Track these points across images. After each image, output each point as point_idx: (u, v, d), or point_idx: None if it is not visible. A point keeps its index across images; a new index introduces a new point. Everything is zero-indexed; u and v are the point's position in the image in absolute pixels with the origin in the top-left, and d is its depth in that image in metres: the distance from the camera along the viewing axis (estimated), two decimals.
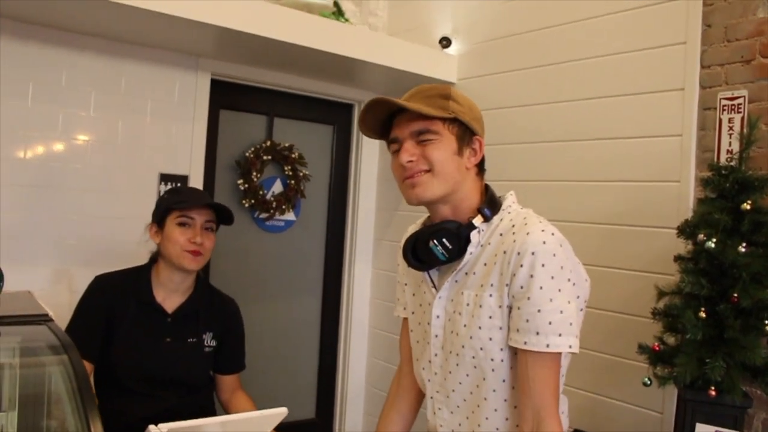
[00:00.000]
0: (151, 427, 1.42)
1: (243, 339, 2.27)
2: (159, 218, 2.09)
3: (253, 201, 3.37)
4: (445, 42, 3.30)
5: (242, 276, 3.45)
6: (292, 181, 3.51)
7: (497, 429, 1.38)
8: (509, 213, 1.41)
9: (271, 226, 3.53)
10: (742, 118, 2.16)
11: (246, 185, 3.35)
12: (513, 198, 1.46)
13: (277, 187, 3.51)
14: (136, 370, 1.99)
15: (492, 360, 1.34)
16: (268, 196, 3.45)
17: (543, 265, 1.27)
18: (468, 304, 1.37)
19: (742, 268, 1.86)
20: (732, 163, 2.00)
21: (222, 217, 2.13)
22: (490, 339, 1.34)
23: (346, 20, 3.17)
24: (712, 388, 1.88)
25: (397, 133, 1.41)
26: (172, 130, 3.06)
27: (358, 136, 3.77)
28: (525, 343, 1.28)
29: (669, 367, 1.98)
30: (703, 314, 1.89)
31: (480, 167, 1.45)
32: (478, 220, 1.38)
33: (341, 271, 3.81)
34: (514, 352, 1.34)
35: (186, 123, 3.10)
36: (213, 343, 2.13)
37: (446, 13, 3.35)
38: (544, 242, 1.29)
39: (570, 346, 1.28)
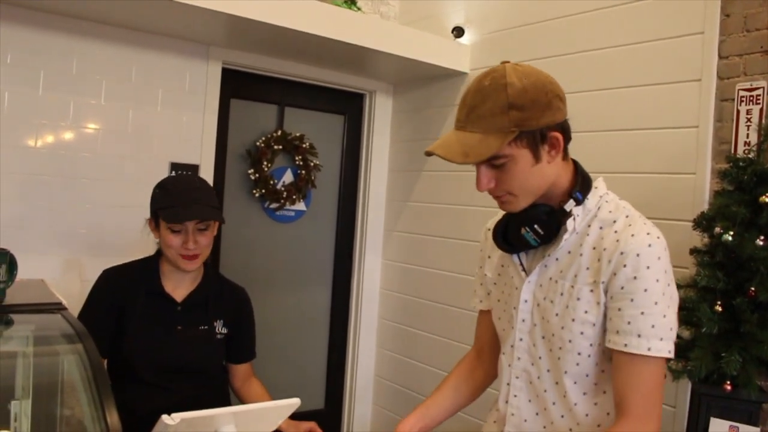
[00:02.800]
0: (164, 416, 1.42)
1: (254, 327, 2.26)
2: (153, 216, 2.06)
3: (263, 191, 3.36)
4: (458, 32, 3.27)
5: (252, 266, 3.44)
6: (303, 171, 3.50)
7: (578, 424, 1.35)
8: (607, 202, 1.36)
9: (281, 216, 3.53)
10: (761, 110, 2.13)
11: (256, 175, 3.34)
12: (605, 186, 1.39)
13: (288, 177, 3.50)
14: (149, 360, 1.97)
15: (579, 354, 1.31)
16: (279, 186, 3.44)
17: (648, 268, 1.23)
18: (562, 294, 1.33)
19: (760, 262, 1.84)
20: (750, 155, 1.97)
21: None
22: (581, 333, 1.30)
23: (358, 9, 3.15)
24: (728, 382, 1.86)
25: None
26: (182, 119, 3.05)
27: (370, 126, 3.75)
28: (625, 345, 1.23)
29: (683, 360, 1.96)
30: (719, 308, 1.87)
31: (564, 151, 1.34)
32: (570, 205, 1.33)
33: (351, 261, 3.80)
34: (603, 350, 1.30)
35: (197, 112, 3.09)
36: (224, 331, 2.12)
37: (459, 3, 3.32)
38: (649, 245, 1.25)
39: (669, 351, 1.24)
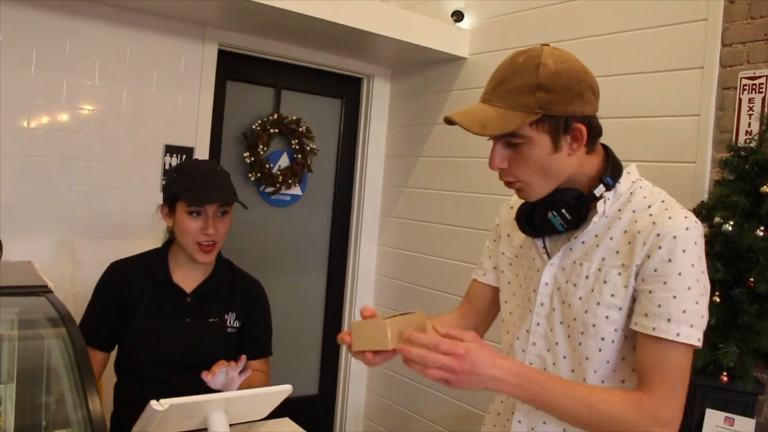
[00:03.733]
0: (153, 402, 1.40)
1: (268, 323, 2.16)
2: (168, 201, 1.96)
3: (259, 174, 3.33)
4: (457, 16, 3.23)
5: (246, 250, 3.42)
6: (299, 155, 3.47)
7: None
8: (641, 188, 1.32)
9: (277, 200, 3.50)
10: (763, 99, 2.10)
11: (252, 158, 3.30)
12: (637, 172, 1.35)
13: (284, 161, 3.47)
14: (155, 354, 1.90)
15: (602, 339, 1.27)
16: (275, 170, 3.41)
17: (684, 251, 1.19)
18: (587, 277, 1.28)
19: (760, 253, 1.82)
20: (751, 145, 1.95)
21: None
22: (607, 317, 1.26)
23: None
24: (724, 373, 1.85)
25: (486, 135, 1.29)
26: (178, 100, 3.01)
27: (367, 110, 3.72)
28: (654, 329, 1.19)
29: None
30: (717, 299, 1.86)
31: (590, 143, 1.29)
32: (600, 190, 1.29)
33: (347, 247, 3.78)
34: (626, 336, 1.26)
35: (192, 94, 3.05)
36: (236, 324, 2.03)
37: None
38: (687, 228, 1.21)
39: (698, 340, 1.19)
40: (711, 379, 1.88)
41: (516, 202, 1.47)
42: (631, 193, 1.31)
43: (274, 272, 3.55)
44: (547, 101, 1.21)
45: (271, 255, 3.54)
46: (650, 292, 1.21)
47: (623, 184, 1.31)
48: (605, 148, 1.36)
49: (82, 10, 2.72)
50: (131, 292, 1.95)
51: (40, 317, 1.25)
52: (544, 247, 1.39)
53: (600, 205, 1.28)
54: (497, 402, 1.53)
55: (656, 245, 1.20)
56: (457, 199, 3.24)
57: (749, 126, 2.12)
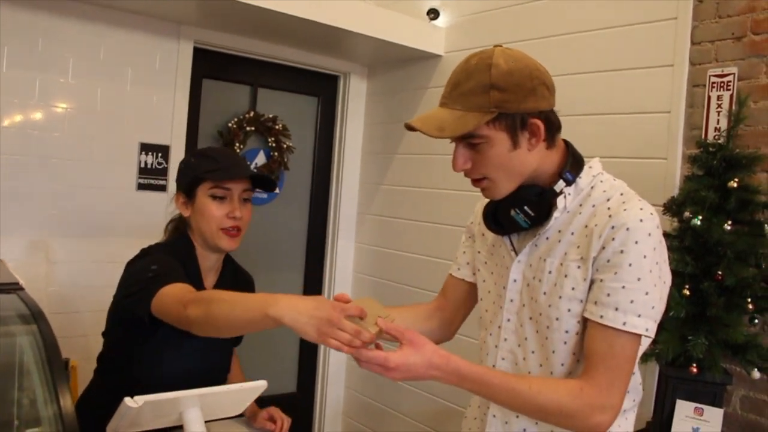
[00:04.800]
0: (127, 399, 1.39)
1: None
2: (187, 188, 1.82)
3: None
4: (433, 14, 3.25)
5: None
6: (276, 153, 3.46)
7: None
8: (602, 182, 1.33)
9: (254, 198, 3.46)
10: (731, 96, 2.14)
11: None
12: (600, 166, 1.37)
13: (260, 159, 3.46)
14: (178, 370, 1.78)
15: (566, 332, 1.29)
16: (251, 168, 3.40)
17: (636, 243, 1.21)
18: (550, 272, 1.31)
19: (728, 246, 1.86)
20: (720, 141, 1.99)
21: (259, 183, 1.91)
22: (569, 310, 1.28)
23: None
24: (694, 365, 1.89)
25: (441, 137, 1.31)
26: (153, 98, 3.00)
27: (343, 107, 3.72)
28: (601, 317, 1.22)
29: (651, 343, 1.98)
30: (687, 292, 1.89)
31: (549, 138, 1.31)
32: (560, 185, 1.31)
33: (324, 244, 3.78)
34: (586, 327, 1.28)
35: (167, 92, 3.03)
36: None
37: None
38: (641, 220, 1.22)
39: (647, 330, 1.22)
40: (681, 370, 1.92)
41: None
42: (591, 188, 1.33)
43: (251, 270, 3.50)
44: (501, 100, 1.23)
45: (248, 253, 3.52)
46: (601, 281, 1.23)
47: (584, 178, 1.33)
48: (566, 143, 1.39)
49: (55, 7, 2.70)
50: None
51: (10, 314, 1.25)
52: (512, 244, 1.41)
53: (560, 200, 1.30)
54: (474, 405, 1.56)
55: (610, 237, 1.23)
56: (434, 196, 3.26)
57: (718, 123, 2.16)
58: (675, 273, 1.92)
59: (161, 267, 1.67)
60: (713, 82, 2.20)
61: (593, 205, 1.30)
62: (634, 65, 2.41)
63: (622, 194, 1.30)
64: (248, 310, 1.35)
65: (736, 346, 1.88)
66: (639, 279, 1.21)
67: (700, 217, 1.88)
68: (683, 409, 1.91)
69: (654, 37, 2.36)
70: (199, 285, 1.80)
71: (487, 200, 1.43)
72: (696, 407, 1.90)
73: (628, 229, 1.22)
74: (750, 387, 2.07)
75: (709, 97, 2.20)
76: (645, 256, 1.21)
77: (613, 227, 1.23)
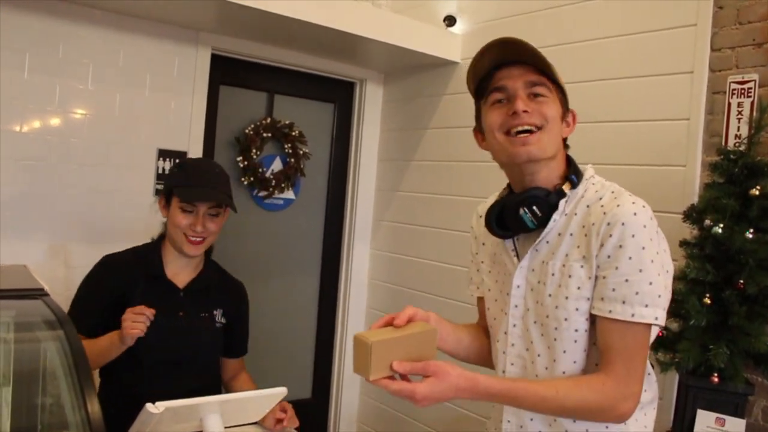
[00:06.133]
0: (148, 405, 1.40)
1: (248, 323, 2.25)
2: (166, 194, 2.03)
3: (252, 178, 3.33)
4: (449, 21, 3.25)
5: (240, 254, 3.42)
6: (292, 159, 3.47)
7: None
8: (593, 184, 1.38)
9: (270, 204, 3.50)
10: (752, 103, 2.13)
11: (245, 162, 3.31)
12: (593, 170, 1.42)
13: (277, 165, 3.47)
14: (152, 346, 1.91)
15: (576, 331, 1.32)
16: (268, 174, 3.42)
17: (633, 236, 1.25)
18: (553, 274, 1.33)
19: (749, 255, 1.84)
20: (741, 148, 1.97)
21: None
22: (577, 309, 1.31)
23: None
24: (715, 374, 1.87)
25: (507, 82, 1.34)
26: (171, 105, 3.02)
27: (359, 114, 3.73)
28: (610, 311, 1.26)
29: (671, 352, 1.96)
30: (707, 300, 1.88)
31: (565, 140, 1.41)
32: (566, 187, 1.35)
33: (340, 251, 3.78)
34: (592, 322, 1.31)
35: (185, 98, 3.05)
36: (223, 320, 2.10)
37: None
38: (634, 213, 1.26)
39: (656, 318, 1.25)
40: (702, 380, 1.90)
41: (482, 210, 1.52)
42: (585, 190, 1.37)
43: (267, 276, 3.55)
44: (554, 71, 1.34)
45: (264, 258, 3.54)
46: (604, 277, 1.27)
47: (581, 183, 1.38)
48: (567, 154, 1.44)
49: (75, 14, 2.72)
50: (127, 284, 1.98)
51: (36, 320, 1.25)
52: (514, 249, 1.43)
53: (562, 203, 1.34)
54: (494, 412, 1.56)
55: (608, 233, 1.27)
56: (450, 203, 3.25)
57: (738, 130, 2.15)
58: (695, 281, 1.92)
59: (74, 310, 1.99)
60: (733, 89, 2.18)
61: (587, 206, 1.34)
62: (653, 72, 2.40)
63: (613, 192, 1.34)
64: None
65: (758, 356, 1.86)
66: (641, 270, 1.25)
67: (721, 225, 1.87)
68: (704, 419, 1.89)
69: (673, 43, 2.35)
70: (162, 279, 2.01)
71: (484, 209, 1.47)
72: (717, 417, 1.88)
73: (623, 224, 1.26)
74: None
75: (729, 104, 2.19)
76: (643, 248, 1.25)
77: (608, 224, 1.27)
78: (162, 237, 2.09)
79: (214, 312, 2.08)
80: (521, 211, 1.35)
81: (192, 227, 1.96)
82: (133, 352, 1.90)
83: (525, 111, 1.31)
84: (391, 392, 1.23)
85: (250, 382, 2.21)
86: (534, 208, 1.34)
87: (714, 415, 1.89)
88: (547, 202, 1.34)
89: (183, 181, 1.98)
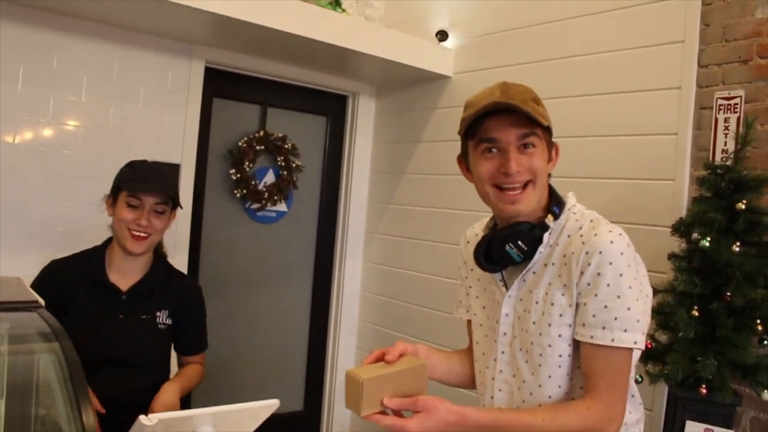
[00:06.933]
0: (141, 417, 1.40)
1: (203, 320, 2.25)
2: (113, 192, 2.06)
3: (244, 191, 3.35)
4: (442, 35, 3.29)
5: (232, 267, 3.42)
6: (285, 172, 3.49)
7: None
8: (574, 213, 1.41)
9: (263, 216, 3.51)
10: (738, 118, 2.16)
11: (238, 175, 3.32)
12: (574, 198, 1.45)
13: (270, 178, 3.49)
14: (89, 348, 1.88)
15: (560, 356, 1.36)
16: (260, 187, 3.43)
17: (610, 264, 1.28)
18: (537, 302, 1.38)
19: (736, 268, 1.87)
20: (727, 163, 2.00)
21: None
22: (560, 335, 1.35)
23: (343, 11, 3.16)
24: (703, 386, 1.89)
25: (499, 134, 1.34)
26: (164, 117, 3.03)
27: (352, 127, 3.75)
28: (591, 337, 1.30)
29: (660, 364, 1.98)
30: (695, 312, 1.90)
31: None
32: (549, 220, 1.39)
33: (332, 263, 3.79)
34: (575, 348, 1.35)
35: (179, 111, 3.07)
36: (168, 321, 2.12)
37: (443, 7, 3.33)
38: (611, 242, 1.30)
39: (635, 342, 1.28)
40: (690, 391, 1.92)
41: (471, 236, 1.57)
42: (566, 220, 1.40)
43: (259, 288, 3.55)
44: (544, 115, 1.34)
45: (256, 271, 3.55)
46: (585, 304, 1.31)
47: (563, 213, 1.41)
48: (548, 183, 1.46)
49: (69, 26, 2.74)
50: (68, 290, 2.01)
51: (30, 332, 1.26)
52: (502, 279, 1.47)
53: (546, 236, 1.38)
54: None
55: (586, 262, 1.30)
56: (442, 216, 3.27)
57: (725, 144, 2.18)
58: (683, 294, 1.95)
59: None
60: (720, 105, 2.22)
61: (568, 235, 1.38)
62: (641, 87, 2.44)
63: (591, 221, 1.37)
64: None
65: (745, 367, 1.88)
66: (619, 297, 1.28)
67: (709, 239, 1.89)
68: (693, 430, 1.91)
69: (662, 59, 2.38)
70: (104, 282, 2.03)
71: (472, 236, 1.53)
72: (706, 428, 1.90)
73: (600, 252, 1.29)
74: (760, 408, 2.07)
75: (716, 120, 2.22)
76: (621, 275, 1.29)
77: (587, 253, 1.31)
78: (109, 241, 2.11)
79: (158, 313, 2.10)
80: (507, 247, 1.38)
81: (136, 221, 1.98)
82: (78, 353, 1.92)
83: (518, 171, 1.34)
84: (382, 427, 1.26)
85: (192, 372, 2.19)
86: (519, 242, 1.37)
87: (703, 425, 1.91)
88: (532, 235, 1.37)
89: (131, 177, 2.02)
